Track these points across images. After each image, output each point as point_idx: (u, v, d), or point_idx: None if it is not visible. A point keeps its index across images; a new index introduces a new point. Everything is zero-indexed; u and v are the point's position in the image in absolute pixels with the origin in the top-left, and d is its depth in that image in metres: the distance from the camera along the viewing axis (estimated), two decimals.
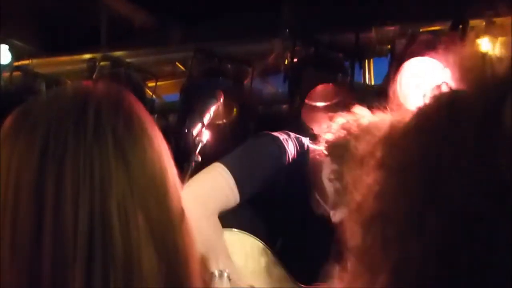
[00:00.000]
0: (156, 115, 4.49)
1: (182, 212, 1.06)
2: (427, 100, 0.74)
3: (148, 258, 0.99)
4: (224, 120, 3.91)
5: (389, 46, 4.22)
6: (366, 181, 0.74)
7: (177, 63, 4.54)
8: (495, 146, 0.65)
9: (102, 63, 4.25)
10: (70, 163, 0.99)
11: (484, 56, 0.74)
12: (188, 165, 2.41)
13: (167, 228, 1.02)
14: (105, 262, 0.96)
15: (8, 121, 1.05)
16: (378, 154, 0.74)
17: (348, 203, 0.76)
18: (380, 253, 0.71)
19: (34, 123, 1.03)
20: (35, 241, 0.97)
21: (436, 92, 0.73)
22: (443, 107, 0.71)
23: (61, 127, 1.01)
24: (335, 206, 2.34)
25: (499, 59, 0.73)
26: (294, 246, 2.48)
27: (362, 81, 4.40)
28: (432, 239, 0.66)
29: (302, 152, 2.48)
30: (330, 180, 2.36)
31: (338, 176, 2.33)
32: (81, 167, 0.99)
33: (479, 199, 0.64)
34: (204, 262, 2.08)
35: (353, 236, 0.75)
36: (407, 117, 0.74)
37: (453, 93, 0.72)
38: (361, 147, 0.76)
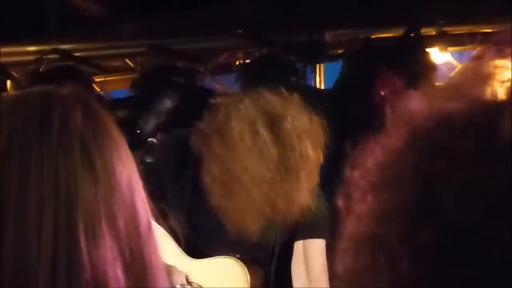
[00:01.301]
0: None
1: (149, 225, 1.01)
2: (415, 116, 0.71)
3: (114, 272, 0.94)
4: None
5: (340, 51, 4.23)
6: (354, 207, 0.71)
7: (126, 59, 4.46)
8: (492, 159, 0.63)
9: (50, 56, 4.15)
10: (35, 171, 0.93)
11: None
12: (139, 167, 2.37)
13: (135, 241, 0.98)
14: (70, 275, 0.91)
15: None
16: (370, 177, 0.72)
17: (332, 230, 0.74)
18: (369, 277, 0.69)
19: None
20: None
21: (424, 108, 0.71)
22: (435, 124, 0.69)
23: (25, 131, 0.96)
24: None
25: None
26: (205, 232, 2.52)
27: (313, 85, 4.40)
28: (425, 258, 0.65)
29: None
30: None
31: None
32: (46, 176, 0.93)
33: (475, 215, 0.62)
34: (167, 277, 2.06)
35: (339, 261, 0.72)
36: (396, 136, 0.72)
37: (443, 109, 0.70)
38: (349, 174, 0.74)
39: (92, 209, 0.94)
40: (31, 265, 0.90)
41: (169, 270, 2.09)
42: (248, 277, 2.44)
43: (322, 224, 2.50)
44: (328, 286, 2.50)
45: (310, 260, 2.54)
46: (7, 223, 0.92)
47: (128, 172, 1.00)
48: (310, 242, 2.54)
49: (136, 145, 2.48)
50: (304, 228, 2.54)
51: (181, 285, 2.13)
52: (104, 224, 0.95)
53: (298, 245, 2.56)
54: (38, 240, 0.91)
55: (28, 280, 0.90)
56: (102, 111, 1.04)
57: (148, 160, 2.42)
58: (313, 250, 2.54)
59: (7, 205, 0.92)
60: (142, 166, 2.40)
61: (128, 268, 0.96)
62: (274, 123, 2.30)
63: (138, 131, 2.43)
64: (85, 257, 0.92)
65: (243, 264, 2.45)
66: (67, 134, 0.97)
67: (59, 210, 0.93)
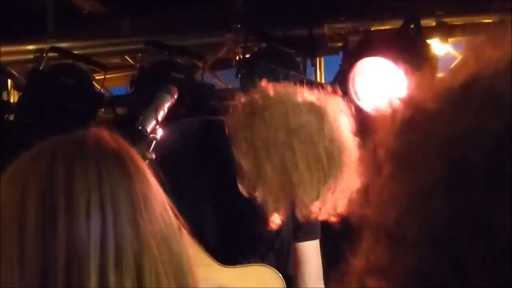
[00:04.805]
0: (104, 109, 4.40)
1: (179, 226, 1.06)
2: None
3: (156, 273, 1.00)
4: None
5: (340, 44, 4.22)
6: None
7: (125, 56, 4.46)
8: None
9: (49, 54, 4.15)
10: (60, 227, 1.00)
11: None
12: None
13: (172, 243, 1.03)
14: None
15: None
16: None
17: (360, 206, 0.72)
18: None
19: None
20: None
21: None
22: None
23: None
24: (253, 186, 2.34)
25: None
26: (223, 229, 2.46)
27: (313, 78, 4.39)
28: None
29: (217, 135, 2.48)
30: (241, 158, 2.35)
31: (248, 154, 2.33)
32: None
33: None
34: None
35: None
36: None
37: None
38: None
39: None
40: None
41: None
42: (285, 285, 2.41)
43: (317, 223, 2.49)
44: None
45: (308, 262, 2.53)
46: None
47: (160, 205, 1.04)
48: (308, 244, 2.54)
49: (138, 141, 2.47)
50: (302, 230, 2.53)
51: None
52: None
53: (298, 247, 2.56)
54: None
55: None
56: (122, 147, 1.06)
57: (154, 156, 2.40)
58: (311, 251, 2.53)
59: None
60: (147, 162, 2.38)
61: (167, 264, 1.01)
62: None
63: (140, 128, 2.40)
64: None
65: (278, 272, 2.41)
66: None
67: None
